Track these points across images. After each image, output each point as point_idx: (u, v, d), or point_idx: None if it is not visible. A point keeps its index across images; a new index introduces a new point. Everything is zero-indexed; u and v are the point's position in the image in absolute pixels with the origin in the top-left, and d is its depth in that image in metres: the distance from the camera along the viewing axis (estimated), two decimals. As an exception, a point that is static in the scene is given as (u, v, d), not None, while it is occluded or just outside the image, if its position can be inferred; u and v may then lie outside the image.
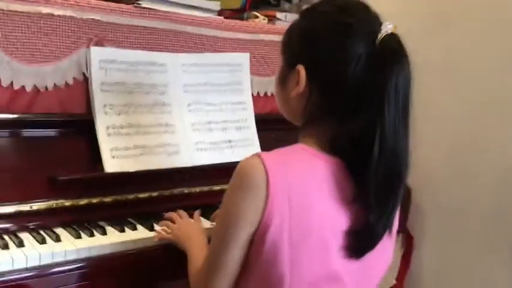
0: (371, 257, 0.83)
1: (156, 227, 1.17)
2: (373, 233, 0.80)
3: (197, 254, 0.97)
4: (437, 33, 1.68)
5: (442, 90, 1.66)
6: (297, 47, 0.86)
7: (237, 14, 1.66)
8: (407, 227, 1.75)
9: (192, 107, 1.40)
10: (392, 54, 0.78)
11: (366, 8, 0.83)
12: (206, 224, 1.20)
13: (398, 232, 1.67)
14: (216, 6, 1.50)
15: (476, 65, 1.57)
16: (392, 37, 0.79)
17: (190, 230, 1.10)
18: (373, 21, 0.81)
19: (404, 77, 0.77)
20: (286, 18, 1.67)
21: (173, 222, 1.15)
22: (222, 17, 1.51)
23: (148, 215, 1.22)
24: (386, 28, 0.79)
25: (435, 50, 1.67)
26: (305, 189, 0.77)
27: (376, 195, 0.78)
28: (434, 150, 1.69)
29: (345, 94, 0.79)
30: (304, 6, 1.85)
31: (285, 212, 0.75)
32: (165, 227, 1.14)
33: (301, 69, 0.83)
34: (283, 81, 0.88)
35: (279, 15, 1.66)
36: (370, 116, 0.77)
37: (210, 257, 0.86)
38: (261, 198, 0.75)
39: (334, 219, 0.79)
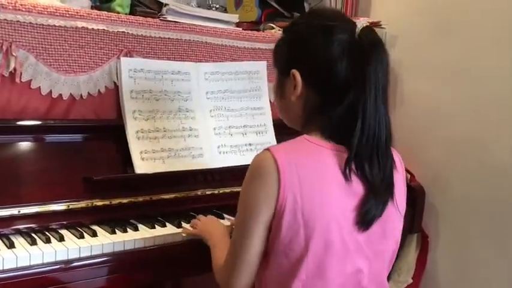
0: (379, 229, 0.89)
1: (184, 224, 1.25)
2: (377, 200, 0.87)
3: (220, 251, 1.02)
4: (441, 38, 1.72)
5: (452, 93, 1.70)
6: (288, 55, 0.94)
7: (254, 25, 1.74)
8: (423, 227, 1.78)
9: (213, 112, 1.49)
10: (371, 41, 0.87)
11: (342, 14, 0.94)
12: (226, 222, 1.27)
13: (413, 232, 1.74)
14: (235, 18, 1.59)
15: (485, 67, 1.61)
16: (369, 28, 0.90)
17: (215, 227, 1.16)
18: (350, 21, 0.92)
19: (382, 60, 0.87)
20: (300, 29, 1.74)
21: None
22: (240, 29, 1.60)
23: (175, 214, 1.30)
24: (362, 23, 0.90)
25: (440, 54, 1.73)
26: (312, 173, 0.85)
27: (369, 165, 0.86)
28: (448, 151, 1.72)
29: (337, 86, 0.88)
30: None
31: (297, 193, 0.83)
32: (193, 224, 1.22)
33: (295, 73, 0.90)
34: (281, 89, 0.96)
35: (293, 25, 1.73)
36: (353, 99, 0.85)
37: (232, 252, 0.91)
38: (273, 183, 0.83)
39: (342, 199, 0.86)
